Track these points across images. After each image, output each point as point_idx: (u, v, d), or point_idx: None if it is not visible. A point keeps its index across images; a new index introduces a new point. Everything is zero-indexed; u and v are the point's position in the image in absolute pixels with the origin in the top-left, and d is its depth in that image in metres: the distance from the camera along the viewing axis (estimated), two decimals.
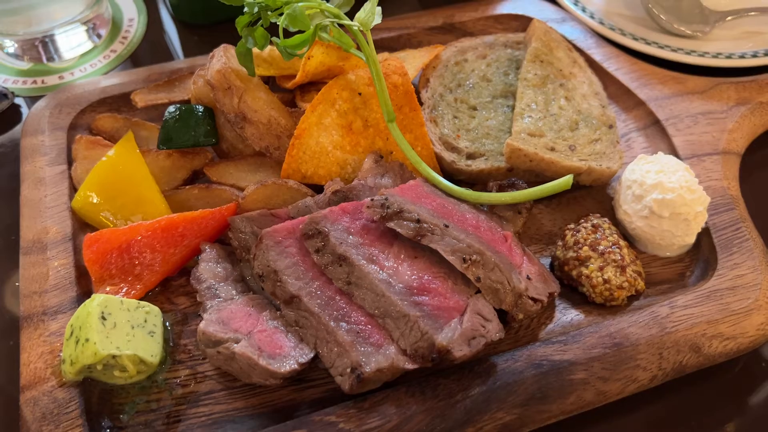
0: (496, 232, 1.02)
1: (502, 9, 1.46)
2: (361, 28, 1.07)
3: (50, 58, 1.44)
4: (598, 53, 1.37)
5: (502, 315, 0.96)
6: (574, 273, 1.03)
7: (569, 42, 1.37)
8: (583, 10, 1.49)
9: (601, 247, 1.03)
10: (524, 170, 1.14)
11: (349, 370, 0.88)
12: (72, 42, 1.45)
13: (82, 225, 1.10)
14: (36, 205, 1.11)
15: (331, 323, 0.91)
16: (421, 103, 1.24)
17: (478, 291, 0.95)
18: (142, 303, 0.97)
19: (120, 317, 0.93)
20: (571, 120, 1.20)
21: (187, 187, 1.12)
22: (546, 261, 1.09)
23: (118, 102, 1.27)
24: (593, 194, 1.18)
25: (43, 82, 1.41)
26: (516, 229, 1.08)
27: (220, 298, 0.98)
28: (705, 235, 1.09)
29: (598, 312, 1.02)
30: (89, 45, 1.47)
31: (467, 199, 1.06)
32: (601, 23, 1.46)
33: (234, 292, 1.00)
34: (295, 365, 0.90)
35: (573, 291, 1.05)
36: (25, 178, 1.16)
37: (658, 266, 1.08)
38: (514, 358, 0.94)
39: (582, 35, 1.41)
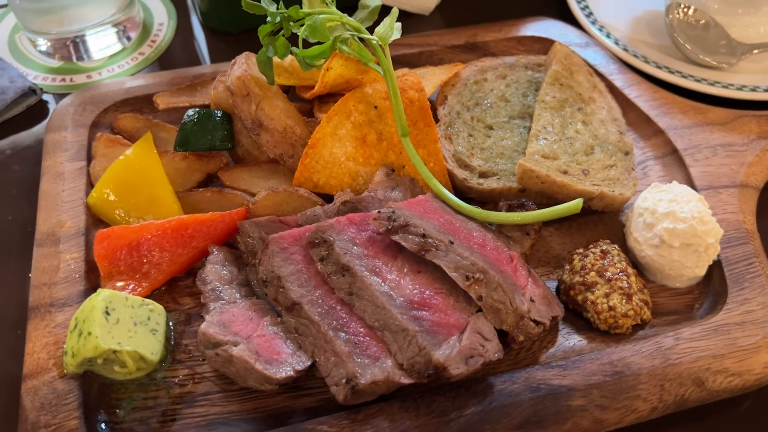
0: (503, 252, 1.02)
1: (526, 31, 1.47)
2: (380, 43, 1.08)
3: (80, 58, 1.48)
4: (620, 79, 1.36)
5: (503, 336, 0.96)
6: (579, 298, 1.02)
7: (591, 66, 1.36)
8: (608, 36, 1.49)
9: (608, 274, 1.02)
10: (536, 192, 1.13)
11: (344, 380, 0.88)
12: (102, 43, 1.49)
13: (95, 221, 1.12)
14: (53, 198, 1.14)
15: (330, 332, 0.91)
16: (437, 120, 1.25)
17: (480, 310, 0.95)
18: (147, 301, 0.98)
19: (123, 313, 0.94)
20: (586, 144, 1.20)
21: (201, 189, 1.14)
22: (552, 284, 1.08)
23: (141, 103, 1.30)
24: (605, 220, 1.17)
25: (71, 80, 1.44)
26: (523, 250, 1.07)
27: (223, 300, 0.99)
28: (716, 268, 1.07)
29: (602, 339, 1.01)
30: (118, 47, 1.51)
31: (476, 217, 1.06)
32: (625, 50, 1.45)
33: (238, 295, 1.00)
34: (291, 372, 0.90)
35: (578, 316, 1.03)
36: (45, 172, 1.19)
37: (667, 296, 1.06)
38: (512, 379, 0.93)
39: (604, 60, 1.41)
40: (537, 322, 0.96)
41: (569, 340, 1.01)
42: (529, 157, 1.14)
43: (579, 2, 1.58)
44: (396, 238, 0.97)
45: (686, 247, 1.03)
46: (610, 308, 0.99)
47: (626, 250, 1.10)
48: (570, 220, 1.16)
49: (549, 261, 1.11)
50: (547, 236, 1.14)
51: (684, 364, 0.95)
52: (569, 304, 1.04)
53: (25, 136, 1.35)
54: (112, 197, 1.11)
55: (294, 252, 0.99)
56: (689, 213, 1.03)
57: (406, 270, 0.97)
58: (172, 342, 0.99)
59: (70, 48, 1.47)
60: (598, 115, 1.26)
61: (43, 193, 1.16)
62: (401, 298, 0.93)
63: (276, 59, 1.24)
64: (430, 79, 1.28)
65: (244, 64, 1.16)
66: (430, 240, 0.96)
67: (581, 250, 1.07)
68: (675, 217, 1.03)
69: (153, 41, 1.54)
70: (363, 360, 0.89)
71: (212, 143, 1.15)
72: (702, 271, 1.06)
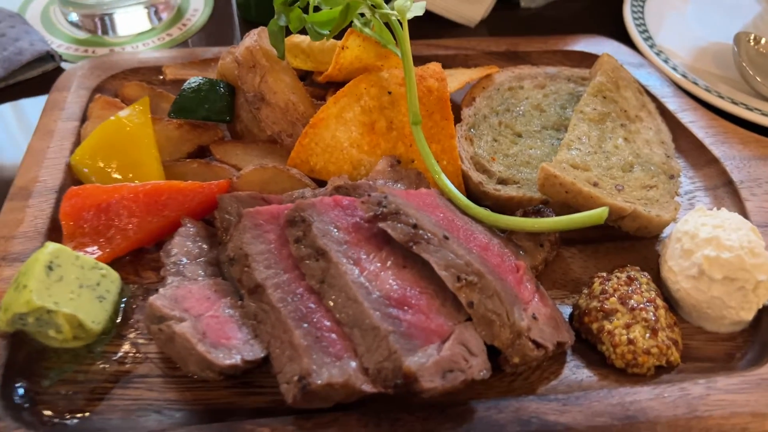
0: (508, 260, 0.87)
1: (574, 46, 1.34)
2: (398, 17, 0.98)
3: (105, 32, 1.44)
4: (674, 103, 1.22)
5: (496, 354, 0.80)
6: (594, 326, 0.86)
7: (641, 85, 1.22)
8: (666, 61, 1.35)
9: (631, 302, 0.86)
10: (560, 204, 0.99)
11: (296, 378, 0.74)
12: (130, 20, 1.45)
13: (74, 181, 1.04)
14: (37, 154, 1.07)
15: (290, 321, 0.79)
16: (459, 120, 1.13)
17: (470, 319, 0.80)
18: (101, 264, 0.88)
19: (69, 272, 0.84)
20: (625, 161, 1.05)
21: (188, 160, 1.04)
22: (566, 311, 0.92)
23: (151, 74, 1.24)
24: (638, 248, 1.00)
25: (93, 52, 1.40)
26: (534, 263, 0.92)
27: (183, 276, 0.87)
28: (767, 314, 0.89)
29: (616, 378, 0.84)
30: (148, 26, 1.46)
31: (483, 219, 0.92)
32: (684, 76, 1.30)
33: (202, 274, 0.89)
34: (238, 361, 0.77)
35: (591, 349, 0.87)
36: (38, 129, 1.12)
37: (702, 340, 0.89)
38: (498, 407, 0.78)
39: (658, 83, 1.26)
40: (537, 344, 0.81)
41: (577, 374, 0.85)
42: (555, 163, 1.00)
43: (638, 26, 1.45)
44: (383, 225, 0.84)
45: (730, 283, 0.86)
46: (630, 341, 0.83)
47: (659, 283, 0.94)
48: (597, 243, 1.00)
49: (566, 284, 0.96)
50: (568, 257, 0.99)
51: (714, 418, 0.77)
52: (582, 332, 0.88)
53: (36, 101, 1.30)
54: (94, 158, 1.03)
55: (268, 230, 0.88)
56: (737, 242, 0.86)
57: (389, 263, 0.83)
58: (121, 315, 0.88)
59: (97, 22, 1.44)
60: (643, 135, 1.11)
61: (30, 148, 1.09)
62: (378, 293, 0.80)
63: (295, 40, 1.16)
64: (458, 76, 1.17)
65: (255, 36, 1.08)
66: (421, 232, 0.82)
67: (605, 274, 0.92)
68: (719, 245, 0.87)
69: (184, 24, 1.49)
70: (322, 357, 0.76)
71: (208, 113, 1.06)
72: (749, 315, 0.88)
